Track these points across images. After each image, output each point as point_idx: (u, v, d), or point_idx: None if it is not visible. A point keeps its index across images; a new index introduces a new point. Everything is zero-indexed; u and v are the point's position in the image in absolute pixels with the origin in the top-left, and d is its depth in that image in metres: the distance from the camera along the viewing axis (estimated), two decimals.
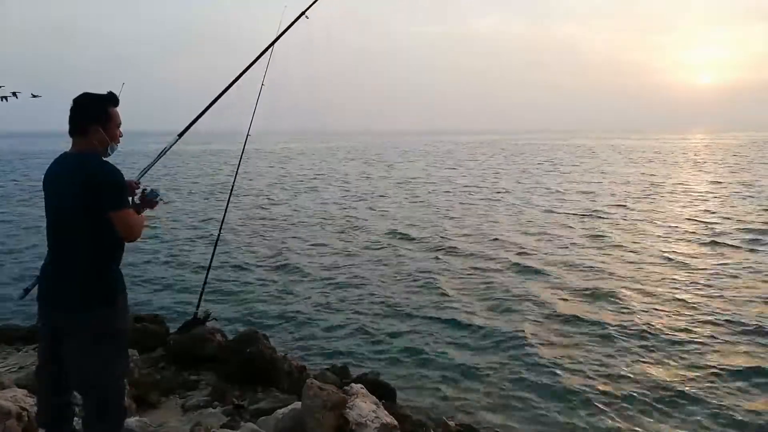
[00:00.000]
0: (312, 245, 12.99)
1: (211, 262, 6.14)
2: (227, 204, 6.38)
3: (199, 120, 4.03)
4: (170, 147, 3.70)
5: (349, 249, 12.49)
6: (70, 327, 2.56)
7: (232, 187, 6.64)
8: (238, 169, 6.48)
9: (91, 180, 2.48)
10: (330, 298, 8.86)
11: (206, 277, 6.06)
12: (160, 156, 3.62)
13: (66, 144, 2.64)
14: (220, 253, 10.58)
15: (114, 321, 2.58)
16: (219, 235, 6.22)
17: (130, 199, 2.72)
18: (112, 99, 2.65)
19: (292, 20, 4.49)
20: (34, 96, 5.85)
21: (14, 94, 5.42)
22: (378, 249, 12.41)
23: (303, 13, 4.52)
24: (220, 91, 4.01)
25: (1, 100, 5.36)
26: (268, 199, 21.82)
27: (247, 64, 4.16)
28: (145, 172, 3.29)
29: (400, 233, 14.25)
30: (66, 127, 2.61)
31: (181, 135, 3.92)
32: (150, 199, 2.89)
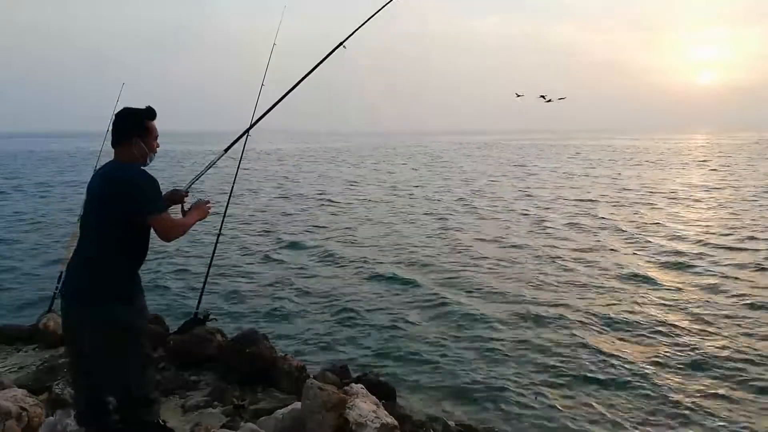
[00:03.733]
0: (313, 246, 12.99)
1: (211, 261, 6.14)
2: (227, 204, 6.37)
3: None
4: (217, 160, 3.87)
5: (349, 249, 12.49)
6: (83, 321, 2.70)
7: (232, 187, 6.63)
8: (238, 169, 6.47)
9: (121, 187, 2.71)
10: (330, 298, 8.85)
11: (206, 277, 6.05)
12: (207, 168, 3.82)
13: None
14: (220, 252, 10.58)
15: (124, 318, 2.71)
16: (219, 234, 6.21)
17: (180, 206, 3.11)
18: (150, 113, 2.89)
19: (330, 50, 4.42)
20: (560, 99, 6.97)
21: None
22: (378, 250, 12.41)
23: (341, 43, 4.44)
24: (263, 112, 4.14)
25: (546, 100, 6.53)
26: (269, 199, 21.82)
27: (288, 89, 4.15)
28: (192, 183, 3.53)
29: (397, 235, 14.29)
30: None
31: (227, 150, 4.08)
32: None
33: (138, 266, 2.86)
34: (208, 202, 3.16)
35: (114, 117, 2.87)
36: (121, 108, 2.91)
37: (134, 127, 2.83)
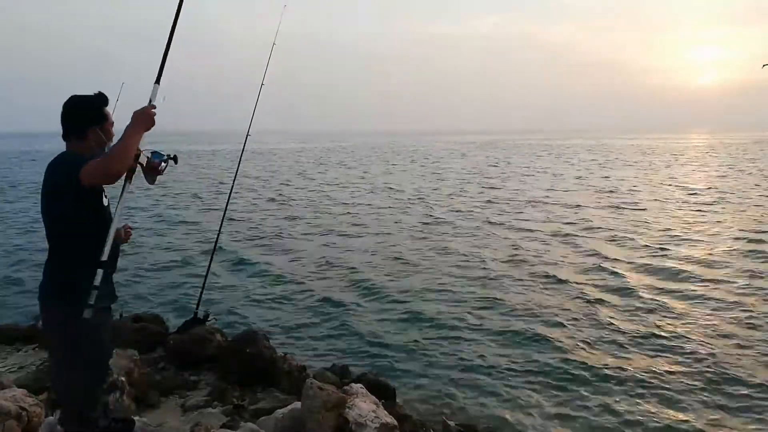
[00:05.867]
0: (312, 245, 13.00)
1: (210, 261, 6.14)
2: (227, 204, 6.37)
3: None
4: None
5: (349, 250, 12.50)
6: (42, 317, 2.66)
7: (232, 187, 6.64)
8: (238, 169, 6.48)
9: (54, 176, 2.54)
10: (330, 298, 8.85)
11: (206, 277, 6.06)
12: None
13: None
14: (220, 252, 10.59)
15: (73, 322, 2.50)
16: (219, 234, 6.22)
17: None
18: (103, 99, 2.69)
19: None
20: None
21: None
22: (379, 250, 12.42)
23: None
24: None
25: None
26: (268, 199, 21.81)
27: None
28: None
29: (392, 232, 14.30)
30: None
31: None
32: (154, 164, 2.77)
33: (91, 261, 2.51)
34: (161, 158, 2.76)
35: (64, 107, 2.64)
36: (69, 97, 2.67)
37: (93, 115, 2.64)
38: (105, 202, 2.68)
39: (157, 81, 2.68)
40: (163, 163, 2.78)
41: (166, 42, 2.76)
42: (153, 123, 2.52)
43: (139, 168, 2.68)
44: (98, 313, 2.62)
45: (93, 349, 2.65)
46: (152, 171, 2.76)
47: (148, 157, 2.73)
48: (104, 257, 2.45)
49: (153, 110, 2.54)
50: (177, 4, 2.81)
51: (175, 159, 2.85)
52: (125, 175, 2.52)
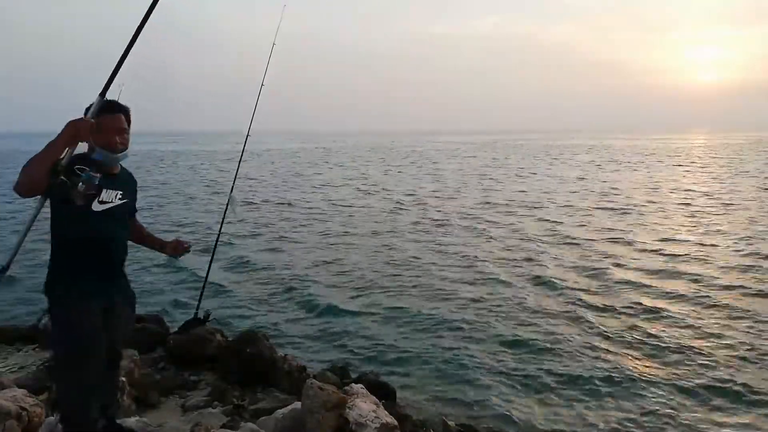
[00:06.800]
0: (312, 247, 13.00)
1: (211, 262, 6.14)
2: (227, 204, 6.36)
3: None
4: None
5: (348, 248, 12.50)
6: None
7: (232, 187, 6.63)
8: (238, 169, 6.48)
9: None
10: (330, 298, 8.85)
11: (206, 278, 6.06)
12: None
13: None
14: (220, 253, 10.58)
15: (55, 318, 2.54)
16: (219, 235, 6.22)
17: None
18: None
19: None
20: None
21: None
22: (377, 251, 12.42)
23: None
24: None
25: None
26: (268, 200, 21.81)
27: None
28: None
29: (389, 234, 14.30)
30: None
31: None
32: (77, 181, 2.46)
33: (69, 256, 2.54)
34: (88, 122, 2.35)
35: None
36: None
37: None
38: (98, 207, 2.57)
39: (102, 94, 2.44)
40: (81, 184, 2.45)
41: (123, 51, 2.51)
42: (83, 138, 2.31)
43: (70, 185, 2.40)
44: (90, 314, 2.60)
45: (84, 349, 2.58)
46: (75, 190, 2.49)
47: (80, 173, 2.43)
48: (5, 263, 2.41)
49: (87, 123, 2.31)
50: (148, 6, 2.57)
51: (91, 178, 2.49)
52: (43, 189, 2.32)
